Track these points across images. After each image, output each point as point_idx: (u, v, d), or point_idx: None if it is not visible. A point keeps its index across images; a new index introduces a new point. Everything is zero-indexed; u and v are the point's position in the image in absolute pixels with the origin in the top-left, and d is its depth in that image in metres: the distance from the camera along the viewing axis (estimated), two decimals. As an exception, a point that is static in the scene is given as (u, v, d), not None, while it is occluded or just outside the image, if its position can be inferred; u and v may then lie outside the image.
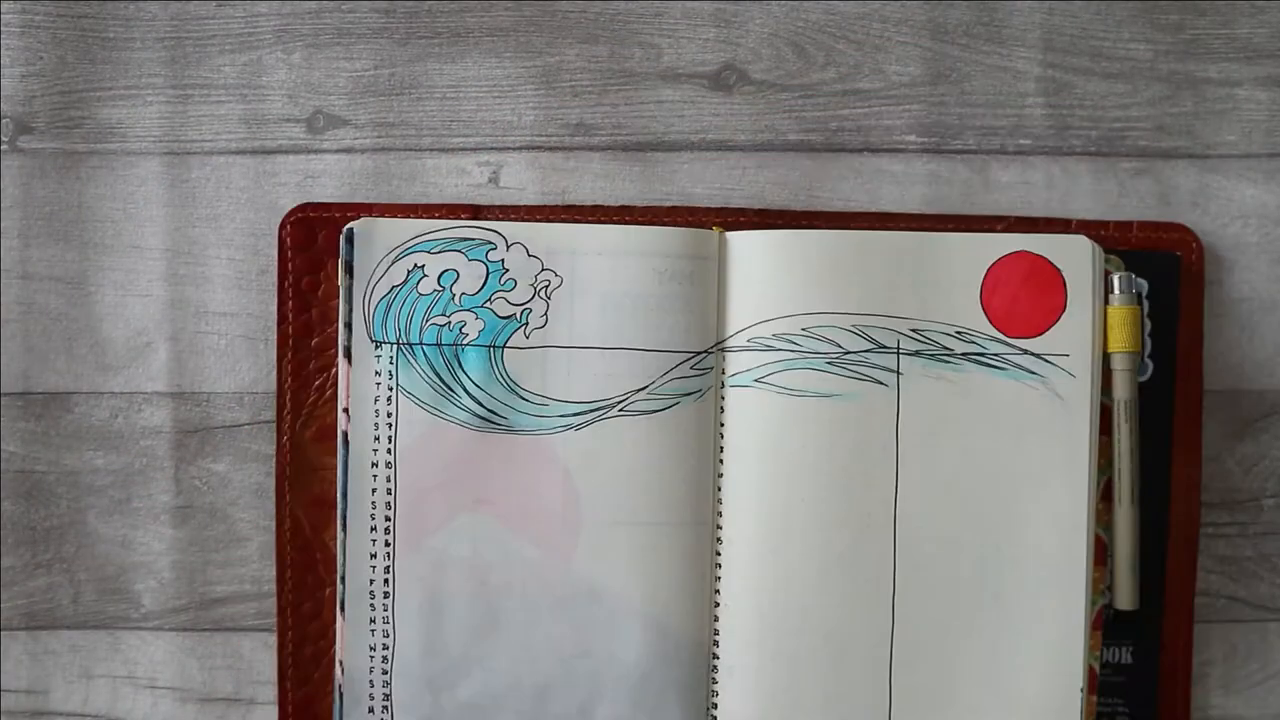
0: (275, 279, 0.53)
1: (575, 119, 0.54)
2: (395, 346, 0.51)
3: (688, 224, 0.53)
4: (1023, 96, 0.53)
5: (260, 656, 0.55)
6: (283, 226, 0.53)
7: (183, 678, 0.55)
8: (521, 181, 0.54)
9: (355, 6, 0.54)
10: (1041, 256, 0.50)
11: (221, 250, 0.55)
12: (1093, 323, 0.50)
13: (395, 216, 0.52)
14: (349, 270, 0.51)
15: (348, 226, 0.51)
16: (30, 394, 0.55)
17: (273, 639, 0.54)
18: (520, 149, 0.54)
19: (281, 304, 0.53)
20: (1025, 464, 0.50)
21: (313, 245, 0.53)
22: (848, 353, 0.50)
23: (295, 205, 0.53)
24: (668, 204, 0.54)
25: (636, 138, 0.54)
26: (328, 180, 0.54)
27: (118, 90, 0.55)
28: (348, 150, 0.54)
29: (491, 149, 0.54)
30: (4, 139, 0.55)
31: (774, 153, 0.54)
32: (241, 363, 0.54)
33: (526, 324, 0.51)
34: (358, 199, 0.54)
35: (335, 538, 0.51)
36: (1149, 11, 0.53)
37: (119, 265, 0.55)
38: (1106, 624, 0.51)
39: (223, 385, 0.55)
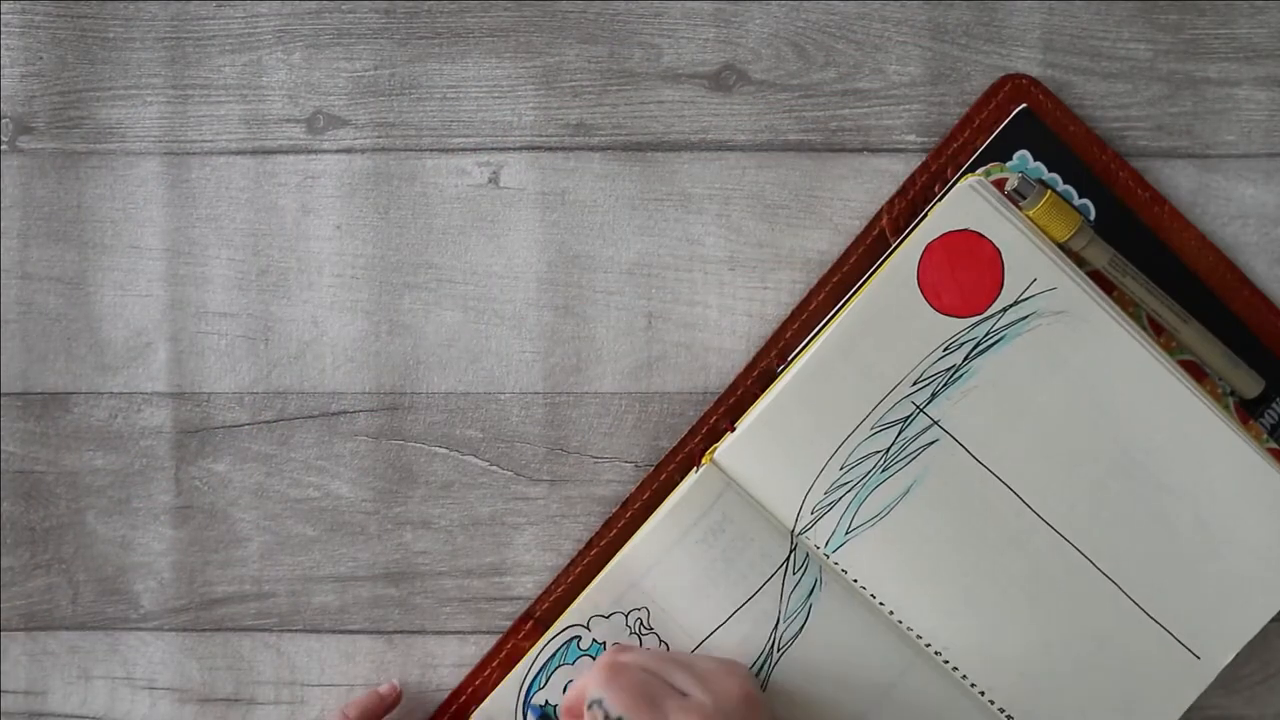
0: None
1: (575, 119, 0.54)
2: None
3: (682, 463, 0.53)
4: (1022, 96, 0.53)
5: (260, 656, 0.54)
6: None
7: (182, 678, 0.55)
8: (521, 182, 0.54)
9: (355, 6, 0.54)
10: (944, 234, 0.49)
11: (221, 250, 0.55)
12: (1032, 240, 0.49)
13: (487, 677, 0.53)
14: None
15: None
16: (29, 394, 0.55)
17: (272, 638, 0.54)
18: (520, 149, 0.54)
19: None
20: (1090, 377, 0.49)
21: None
22: (889, 448, 0.50)
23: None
24: (660, 445, 0.54)
25: (636, 138, 0.54)
26: (328, 181, 0.54)
27: (117, 90, 0.55)
28: (348, 150, 0.54)
29: (491, 149, 0.54)
30: (4, 139, 0.55)
31: (774, 153, 0.54)
32: (241, 363, 0.54)
33: None
34: (357, 199, 0.54)
35: None
36: (1149, 11, 0.53)
37: (119, 265, 0.55)
38: (1249, 410, 0.51)
39: (223, 385, 0.54)
